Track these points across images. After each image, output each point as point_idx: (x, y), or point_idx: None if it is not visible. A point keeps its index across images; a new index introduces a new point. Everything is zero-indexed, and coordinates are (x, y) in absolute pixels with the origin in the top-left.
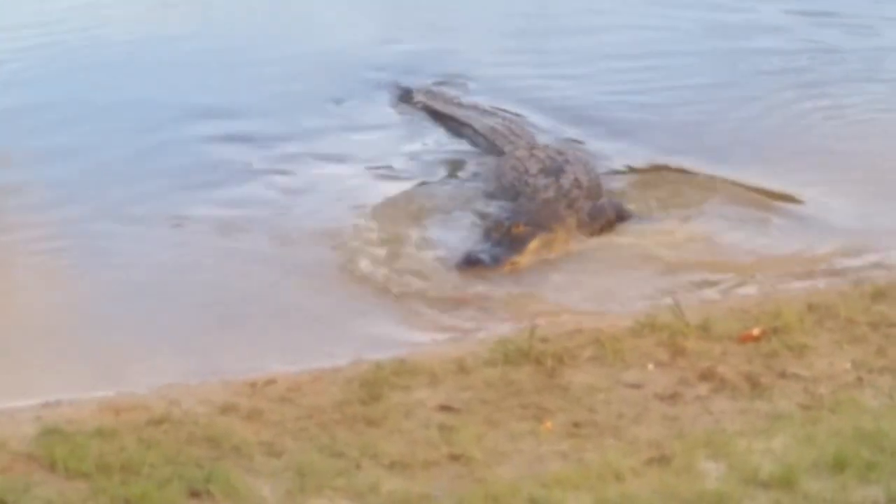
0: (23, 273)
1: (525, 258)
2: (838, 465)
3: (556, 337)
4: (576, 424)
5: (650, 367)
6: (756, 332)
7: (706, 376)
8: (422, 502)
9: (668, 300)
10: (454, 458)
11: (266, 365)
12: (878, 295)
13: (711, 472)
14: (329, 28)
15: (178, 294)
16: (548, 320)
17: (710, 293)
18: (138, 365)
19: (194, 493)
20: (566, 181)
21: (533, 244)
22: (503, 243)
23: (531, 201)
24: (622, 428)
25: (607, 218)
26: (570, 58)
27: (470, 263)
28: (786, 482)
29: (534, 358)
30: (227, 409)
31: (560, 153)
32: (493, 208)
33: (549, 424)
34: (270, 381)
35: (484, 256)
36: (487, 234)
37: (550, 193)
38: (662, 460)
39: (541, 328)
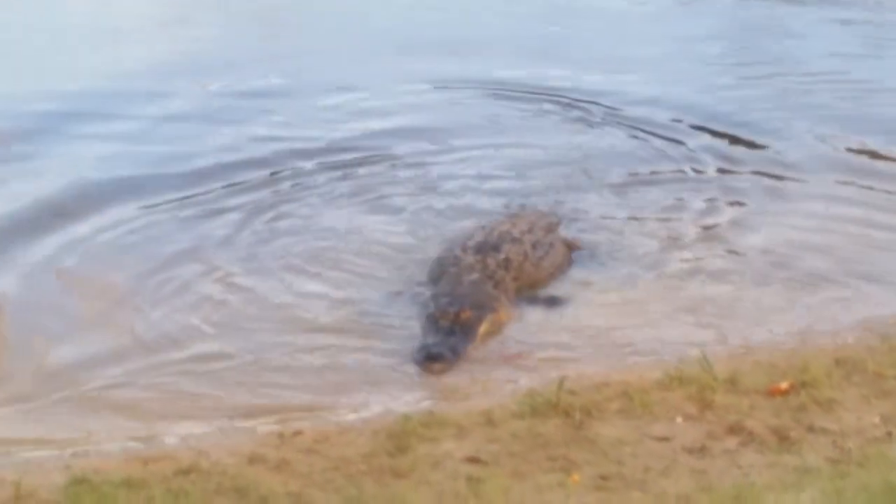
0: None
1: (478, 343)
2: None
3: (583, 390)
4: (603, 477)
5: (678, 420)
6: (784, 385)
7: (734, 430)
8: None
9: (697, 353)
10: None
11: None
12: None
13: None
14: None
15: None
16: (576, 373)
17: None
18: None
19: None
20: (493, 261)
21: (483, 328)
22: (455, 332)
23: (458, 283)
24: (650, 481)
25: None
26: None
27: (431, 359)
28: None
29: (562, 410)
30: (254, 460)
31: (516, 230)
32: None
33: (576, 477)
34: (298, 433)
35: (443, 350)
36: (435, 323)
37: (475, 275)
38: None
39: (569, 381)
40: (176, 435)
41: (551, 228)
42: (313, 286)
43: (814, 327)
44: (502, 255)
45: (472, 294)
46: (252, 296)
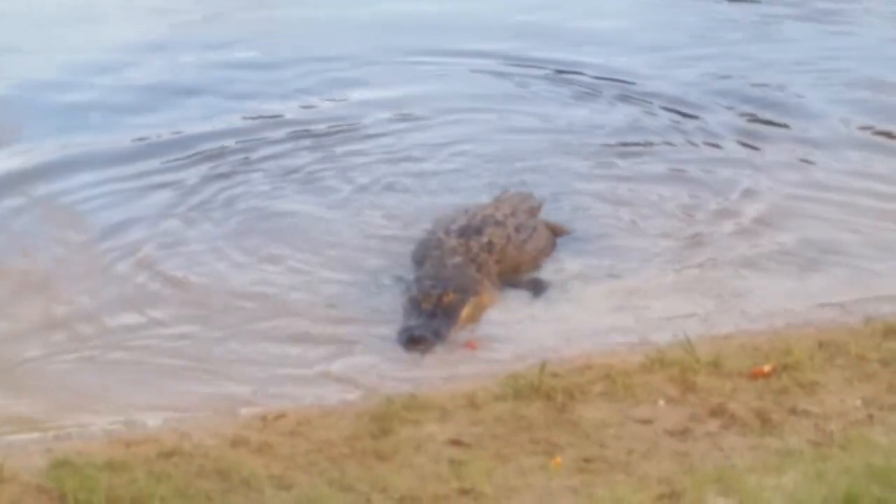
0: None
1: (461, 326)
2: (849, 503)
3: (566, 372)
4: (586, 460)
5: (661, 402)
6: (767, 368)
7: (717, 412)
8: None
9: (679, 336)
10: (464, 492)
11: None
12: (889, 332)
13: None
14: None
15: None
16: (558, 356)
17: None
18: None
19: None
20: (476, 244)
21: (466, 311)
22: (437, 314)
23: (441, 266)
24: (632, 463)
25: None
26: None
27: (414, 342)
28: None
29: (544, 393)
30: (237, 443)
31: (498, 212)
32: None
33: (559, 460)
34: (281, 415)
35: (426, 333)
36: (417, 306)
37: (457, 258)
38: (673, 496)
39: (551, 363)
40: (158, 417)
41: (534, 211)
42: (285, 268)
43: (797, 309)
44: (485, 239)
45: (455, 277)
46: (218, 277)
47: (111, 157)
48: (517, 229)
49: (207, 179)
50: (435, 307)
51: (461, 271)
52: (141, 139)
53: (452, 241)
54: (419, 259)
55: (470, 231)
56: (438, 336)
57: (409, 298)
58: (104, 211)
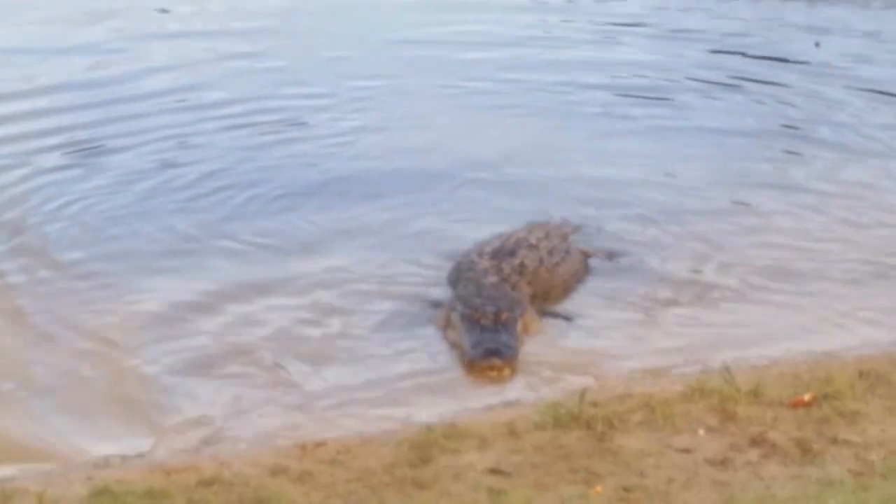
0: None
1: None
2: None
3: (606, 401)
4: (626, 489)
5: (700, 432)
6: (807, 397)
7: (757, 442)
8: None
9: (719, 364)
10: None
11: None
12: None
13: None
14: None
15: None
16: (598, 384)
17: None
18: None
19: None
20: (507, 266)
21: (519, 329)
22: (500, 331)
23: (480, 286)
24: (672, 493)
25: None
26: None
27: (493, 354)
28: None
29: (584, 422)
30: (277, 471)
31: (530, 237)
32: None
33: (598, 489)
34: (320, 444)
35: (502, 348)
36: (475, 323)
37: (493, 278)
38: None
39: (591, 392)
40: (197, 445)
41: (566, 236)
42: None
43: (838, 338)
44: (517, 261)
45: (499, 296)
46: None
47: None
48: (550, 252)
49: None
50: (495, 323)
51: (501, 290)
52: None
53: (485, 263)
54: (453, 280)
55: (503, 253)
56: (513, 350)
57: (461, 316)
58: None
